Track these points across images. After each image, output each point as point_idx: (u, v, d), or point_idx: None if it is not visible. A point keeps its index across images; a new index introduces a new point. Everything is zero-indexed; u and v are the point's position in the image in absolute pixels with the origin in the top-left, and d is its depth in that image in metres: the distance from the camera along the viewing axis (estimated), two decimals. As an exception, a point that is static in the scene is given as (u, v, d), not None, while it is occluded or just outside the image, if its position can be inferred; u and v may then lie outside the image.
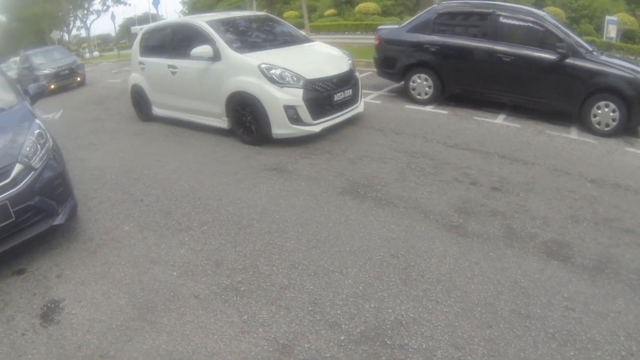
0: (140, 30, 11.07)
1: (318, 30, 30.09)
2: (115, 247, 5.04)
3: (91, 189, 6.66)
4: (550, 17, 9.23)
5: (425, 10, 10.69)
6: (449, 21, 9.88)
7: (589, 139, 7.89)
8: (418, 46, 10.00)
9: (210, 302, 4.01)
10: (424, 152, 7.09)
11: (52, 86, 17.91)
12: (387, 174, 6.29)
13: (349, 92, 8.19)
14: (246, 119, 7.85)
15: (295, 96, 7.32)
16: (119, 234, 5.30)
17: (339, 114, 8.02)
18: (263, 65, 7.48)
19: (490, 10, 9.25)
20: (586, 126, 8.30)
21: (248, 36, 8.92)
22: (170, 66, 9.11)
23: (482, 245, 4.63)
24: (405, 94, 10.46)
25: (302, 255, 4.55)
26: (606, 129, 8.14)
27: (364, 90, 10.94)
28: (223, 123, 8.36)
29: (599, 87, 8.10)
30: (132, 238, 5.19)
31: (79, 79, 19.52)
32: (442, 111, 9.51)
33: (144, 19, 52.35)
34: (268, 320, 3.72)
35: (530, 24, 8.83)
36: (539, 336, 3.46)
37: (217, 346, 3.51)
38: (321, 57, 8.76)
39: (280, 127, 7.46)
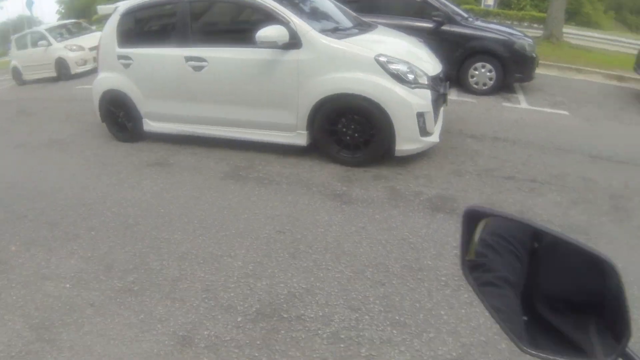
0: (117, 8, 7.10)
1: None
2: (3, 270, 4.57)
3: (-30, 212, 6.09)
4: None
5: None
6: None
7: (469, 99, 8.22)
8: None
9: (107, 307, 3.74)
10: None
11: None
12: (267, 154, 6.21)
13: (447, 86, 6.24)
14: (346, 131, 5.60)
15: (425, 100, 5.33)
16: (5, 256, 4.82)
17: (440, 114, 6.08)
18: (382, 58, 5.27)
19: None
20: (465, 87, 8.66)
21: (320, 16, 6.49)
22: (190, 58, 6.18)
23: (367, 209, 4.67)
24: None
25: (190, 245, 4.38)
26: (484, 87, 8.55)
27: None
28: (298, 138, 5.90)
29: (474, 50, 8.43)
30: (19, 257, 4.73)
31: None
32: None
33: (19, 23, 48.33)
34: (165, 315, 3.53)
35: None
36: (432, 286, 3.52)
37: (120, 351, 3.28)
38: (414, 46, 6.49)
39: (408, 142, 5.39)
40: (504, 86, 8.64)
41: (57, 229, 5.14)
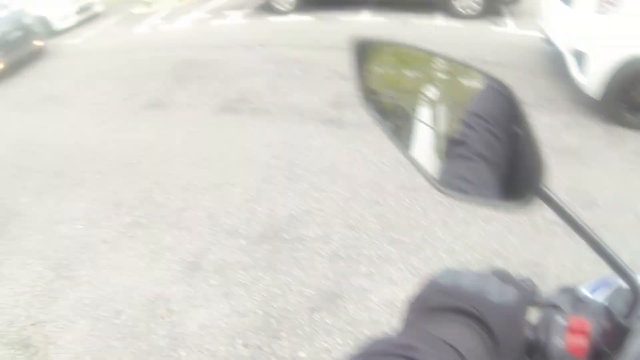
0: None
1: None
2: (19, 220, 4.74)
3: (-20, 172, 6.22)
4: None
5: None
6: None
7: (456, 24, 7.99)
8: None
9: (118, 242, 3.91)
10: (293, 59, 6.99)
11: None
12: (259, 86, 6.20)
13: None
14: None
15: None
16: (19, 208, 4.99)
17: None
18: None
19: None
20: (451, 12, 8.32)
21: None
22: None
23: (359, 132, 4.69)
24: (267, 8, 10.01)
25: (192, 177, 4.49)
26: (471, 12, 8.23)
27: (227, 12, 10.58)
28: None
29: None
30: (32, 207, 4.89)
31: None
32: (307, 18, 9.26)
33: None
34: (173, 243, 3.69)
35: None
36: (427, 204, 3.58)
37: (134, 280, 3.46)
38: None
39: None
40: (490, 10, 8.42)
41: (64, 177, 5.26)
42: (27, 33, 10.89)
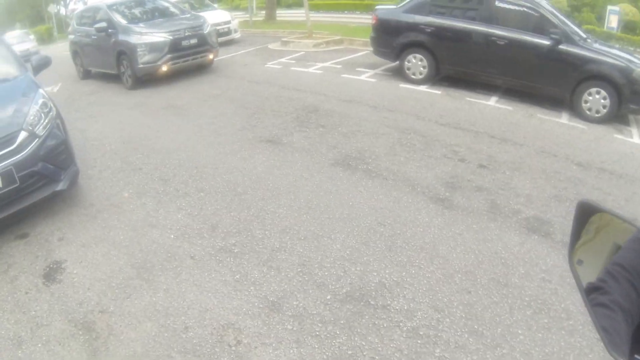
0: None
1: (317, 8, 29.97)
2: (115, 212, 5.22)
3: (91, 158, 6.80)
4: (546, 3, 9.22)
5: None
6: (445, 3, 9.81)
7: (579, 124, 7.94)
8: (414, 27, 9.96)
9: (205, 262, 4.20)
10: (415, 129, 7.21)
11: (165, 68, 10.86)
12: (378, 148, 6.44)
13: None
14: None
15: None
16: (118, 200, 5.47)
17: None
18: None
19: None
20: (577, 112, 8.32)
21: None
22: None
23: (466, 217, 4.78)
24: (400, 74, 10.44)
25: (294, 221, 4.74)
26: (596, 115, 8.17)
27: (360, 69, 11.05)
28: None
29: (591, 74, 8.12)
30: (131, 204, 5.36)
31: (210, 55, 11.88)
32: (436, 91, 9.55)
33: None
34: (259, 279, 3.91)
35: (526, 9, 8.81)
36: (515, 303, 3.60)
37: (211, 302, 3.70)
38: None
39: None
40: (617, 116, 8.16)
41: (168, 185, 5.71)
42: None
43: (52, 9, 48.21)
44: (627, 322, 1.14)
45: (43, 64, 6.40)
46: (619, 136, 7.64)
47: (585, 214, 1.28)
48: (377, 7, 11.52)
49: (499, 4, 9.05)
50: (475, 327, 3.37)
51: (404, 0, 10.38)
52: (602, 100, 8.09)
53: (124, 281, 4.07)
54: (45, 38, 39.67)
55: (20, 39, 28.21)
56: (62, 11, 56.04)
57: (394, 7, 11.23)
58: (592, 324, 1.15)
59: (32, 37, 32.57)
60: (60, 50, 19.29)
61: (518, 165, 6.04)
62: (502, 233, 4.52)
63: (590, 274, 1.29)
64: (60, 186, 5.12)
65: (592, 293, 1.22)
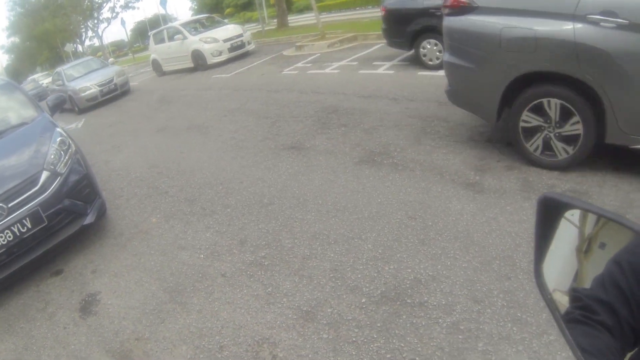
0: None
1: (329, 9, 30.00)
2: (145, 238, 5.23)
3: (118, 187, 6.87)
4: None
5: None
6: None
7: None
8: (424, 12, 9.74)
9: (236, 278, 4.14)
10: (438, 116, 7.03)
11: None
12: (402, 140, 6.30)
13: None
14: None
15: None
16: (147, 226, 5.48)
17: None
18: None
19: None
20: None
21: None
22: None
23: (499, 200, 4.58)
24: (417, 61, 10.24)
25: (323, 226, 4.63)
26: None
27: (376, 62, 10.86)
28: None
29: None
30: (159, 228, 5.36)
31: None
32: (456, 73, 9.38)
33: (155, 20, 52.69)
34: (291, 290, 3.82)
35: None
36: None
37: (245, 319, 3.63)
38: None
39: None
40: None
41: (194, 205, 5.69)
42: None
43: (68, 48, 49.46)
44: (615, 342, 0.93)
45: (59, 103, 6.49)
46: None
47: (552, 211, 1.03)
48: None
49: None
50: (519, 315, 3.20)
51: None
52: None
53: (157, 306, 4.05)
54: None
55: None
56: (79, 48, 57.40)
57: None
58: (568, 344, 0.96)
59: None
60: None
61: None
62: (539, 211, 4.32)
63: (563, 284, 1.05)
64: (88, 220, 5.17)
65: (571, 304, 1.01)
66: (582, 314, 0.95)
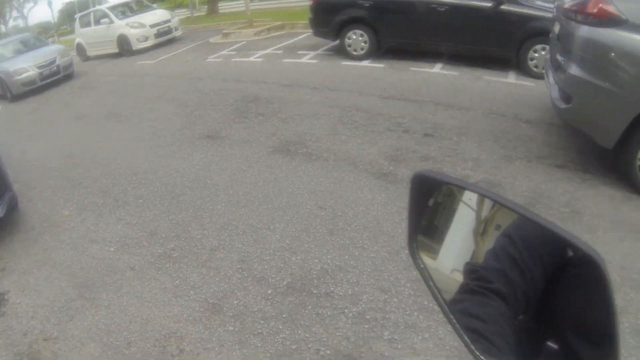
0: None
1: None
2: (56, 232, 4.99)
3: (32, 179, 6.53)
4: None
5: None
6: None
7: (527, 82, 7.81)
8: (352, 3, 9.72)
9: (145, 272, 4.02)
10: (357, 106, 7.05)
11: None
12: (318, 130, 6.28)
13: None
14: None
15: None
16: (59, 219, 5.24)
17: None
18: None
19: None
20: (524, 70, 8.16)
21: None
22: None
23: None
24: (342, 52, 10.24)
25: (232, 216, 4.56)
26: (544, 71, 8.09)
27: (301, 51, 10.78)
28: None
29: (534, 31, 7.96)
30: (71, 221, 5.14)
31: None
32: (379, 65, 9.38)
33: (84, 2, 50.60)
34: (199, 282, 3.74)
35: None
36: None
37: (152, 313, 3.53)
38: None
39: None
40: None
41: (108, 196, 5.50)
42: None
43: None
44: (508, 308, 0.96)
45: None
46: None
47: (424, 188, 1.03)
48: None
49: None
50: (425, 303, 3.22)
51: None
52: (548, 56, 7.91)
53: (66, 303, 3.87)
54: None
55: None
56: (2, 28, 54.55)
57: None
58: (447, 319, 1.00)
59: None
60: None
61: (465, 130, 5.85)
62: (452, 201, 4.36)
63: (442, 259, 1.11)
64: (-4, 214, 4.92)
65: (467, 277, 1.02)
66: (478, 284, 0.97)
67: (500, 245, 0.99)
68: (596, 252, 0.76)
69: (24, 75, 13.26)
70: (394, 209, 4.32)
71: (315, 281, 3.56)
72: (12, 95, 13.38)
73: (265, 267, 3.78)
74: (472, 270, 1.01)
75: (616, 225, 3.96)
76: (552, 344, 0.96)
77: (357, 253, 3.81)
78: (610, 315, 0.76)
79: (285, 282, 3.60)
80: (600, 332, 0.81)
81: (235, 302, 3.48)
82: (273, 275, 3.68)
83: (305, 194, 4.76)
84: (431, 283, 1.08)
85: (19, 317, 3.86)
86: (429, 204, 1.06)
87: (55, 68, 13.79)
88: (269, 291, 3.53)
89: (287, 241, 4.06)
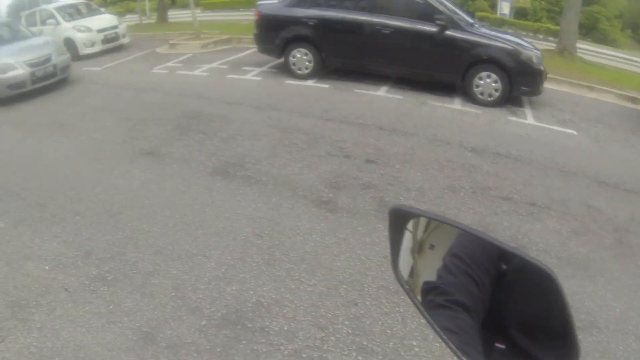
0: None
1: (213, 7, 29.09)
2: None
3: (-34, 185, 6.20)
4: None
5: None
6: None
7: (473, 109, 7.92)
8: (296, 20, 9.59)
9: (79, 294, 3.85)
10: (298, 127, 7.00)
11: None
12: (258, 152, 6.21)
13: None
14: None
15: None
16: (-6, 232, 4.99)
17: None
18: None
19: None
20: (470, 97, 8.32)
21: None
22: None
23: (351, 220, 4.53)
24: (286, 70, 10.12)
25: (168, 240, 4.44)
26: (489, 98, 8.17)
27: (246, 67, 10.65)
28: None
29: (479, 58, 8.12)
30: (7, 235, 4.85)
31: None
32: (323, 85, 9.35)
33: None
34: (133, 308, 3.62)
35: None
36: (407, 312, 3.37)
37: (85, 339, 3.39)
38: None
39: None
40: (510, 99, 8.31)
41: (45, 211, 5.25)
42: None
43: None
44: (472, 317, 1.05)
45: None
46: (513, 118, 7.68)
47: (400, 220, 1.14)
48: (258, 2, 11.12)
49: None
50: (364, 343, 3.16)
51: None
52: (494, 84, 8.10)
53: (-2, 323, 3.68)
54: None
55: None
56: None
57: (276, 1, 10.89)
58: (433, 329, 1.05)
59: None
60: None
61: (409, 157, 5.82)
62: (392, 234, 4.30)
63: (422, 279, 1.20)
64: None
65: (429, 294, 1.11)
66: (445, 299, 1.06)
67: (452, 263, 1.09)
68: (547, 267, 0.86)
69: (11, 74, 9.75)
70: (333, 240, 4.25)
71: (250, 314, 3.48)
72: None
73: (200, 296, 3.70)
74: (433, 287, 1.10)
75: (563, 261, 4.09)
76: (499, 345, 1.06)
77: (293, 286, 3.73)
78: (567, 317, 0.85)
79: (219, 314, 3.51)
80: (553, 329, 0.90)
81: (169, 332, 3.38)
82: (208, 306, 3.59)
83: (242, 219, 4.69)
84: (418, 304, 1.13)
85: (-54, 338, 3.64)
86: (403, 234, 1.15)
87: (51, 68, 10.36)
88: (204, 322, 3.45)
89: (223, 270, 3.98)
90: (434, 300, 1.09)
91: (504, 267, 1.08)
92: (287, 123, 7.24)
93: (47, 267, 4.26)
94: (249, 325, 3.39)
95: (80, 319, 3.60)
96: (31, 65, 10.00)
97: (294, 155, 6.06)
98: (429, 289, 1.12)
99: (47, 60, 10.36)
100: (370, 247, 4.15)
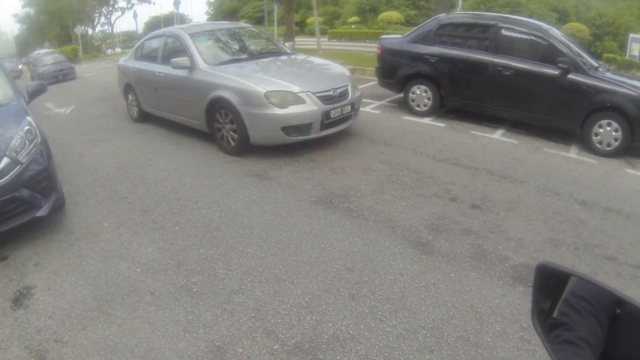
0: None
1: (340, 37, 30.21)
2: (92, 241, 5.23)
3: (82, 184, 6.86)
4: (556, 31, 9.14)
5: (427, 21, 10.67)
6: (451, 32, 9.75)
7: (588, 159, 7.62)
8: (418, 57, 9.90)
9: (163, 299, 4.17)
10: (409, 165, 7.08)
11: None
12: (365, 186, 6.34)
13: None
14: None
15: None
16: (97, 229, 5.49)
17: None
18: None
19: (492, 22, 9.16)
20: (587, 145, 8.06)
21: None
22: None
23: (445, 265, 4.52)
24: (405, 105, 10.39)
25: (259, 262, 4.67)
26: (608, 148, 7.85)
27: (366, 100, 10.89)
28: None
29: (601, 104, 7.86)
30: (108, 234, 5.38)
31: None
32: (440, 124, 9.46)
33: (170, 18, 52.94)
34: (211, 322, 3.85)
35: (533, 37, 8.68)
36: None
37: (159, 342, 3.66)
38: None
39: None
40: (630, 149, 7.86)
41: (147, 217, 5.74)
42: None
43: (78, 30, 49.59)
44: (594, 355, 1.15)
45: (38, 90, 6.48)
46: (631, 171, 7.24)
47: (546, 277, 1.27)
48: (382, 36, 11.38)
49: (505, 33, 8.94)
50: None
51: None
52: (614, 133, 7.76)
53: (83, 312, 4.06)
54: (71, 57, 40.49)
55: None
56: (89, 32, 57.62)
57: (400, 36, 11.15)
58: None
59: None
60: (83, 71, 19.65)
61: (515, 205, 5.76)
62: (483, 284, 4.23)
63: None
64: (41, 212, 5.18)
65: (556, 329, 1.21)
66: (573, 335, 1.17)
67: (577, 302, 1.21)
68: None
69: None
70: (422, 283, 4.25)
71: (324, 346, 3.56)
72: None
73: (279, 320, 3.84)
74: (560, 323, 1.22)
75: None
76: None
77: (373, 324, 3.77)
78: None
79: (294, 341, 3.63)
80: None
81: (240, 350, 3.55)
82: (284, 331, 3.73)
83: (336, 252, 4.81)
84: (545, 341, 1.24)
85: (39, 313, 4.08)
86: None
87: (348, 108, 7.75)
88: (276, 346, 3.57)
89: (307, 298, 4.11)
90: (562, 335, 1.18)
91: (618, 311, 1.21)
92: (399, 160, 7.32)
93: (138, 270, 4.65)
94: (320, 356, 3.46)
95: (159, 323, 3.89)
96: (323, 99, 7.38)
97: (400, 192, 6.11)
98: (555, 325, 1.22)
99: (344, 95, 7.73)
100: (458, 294, 4.09)
